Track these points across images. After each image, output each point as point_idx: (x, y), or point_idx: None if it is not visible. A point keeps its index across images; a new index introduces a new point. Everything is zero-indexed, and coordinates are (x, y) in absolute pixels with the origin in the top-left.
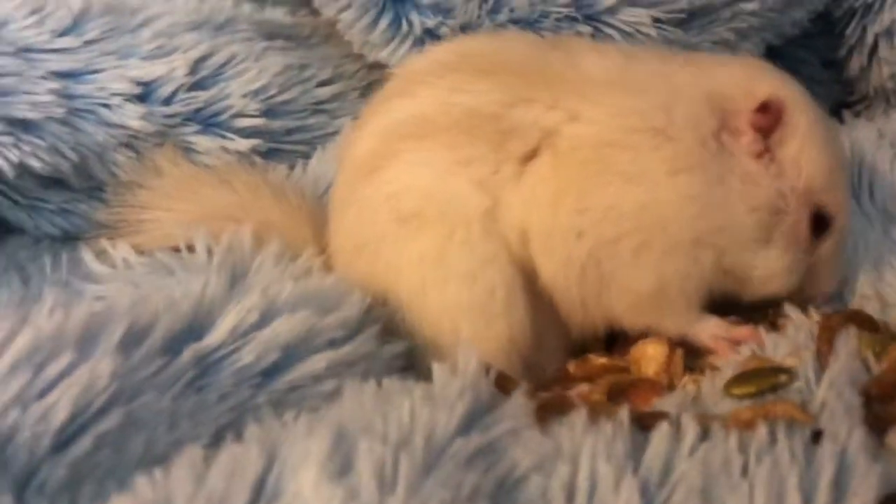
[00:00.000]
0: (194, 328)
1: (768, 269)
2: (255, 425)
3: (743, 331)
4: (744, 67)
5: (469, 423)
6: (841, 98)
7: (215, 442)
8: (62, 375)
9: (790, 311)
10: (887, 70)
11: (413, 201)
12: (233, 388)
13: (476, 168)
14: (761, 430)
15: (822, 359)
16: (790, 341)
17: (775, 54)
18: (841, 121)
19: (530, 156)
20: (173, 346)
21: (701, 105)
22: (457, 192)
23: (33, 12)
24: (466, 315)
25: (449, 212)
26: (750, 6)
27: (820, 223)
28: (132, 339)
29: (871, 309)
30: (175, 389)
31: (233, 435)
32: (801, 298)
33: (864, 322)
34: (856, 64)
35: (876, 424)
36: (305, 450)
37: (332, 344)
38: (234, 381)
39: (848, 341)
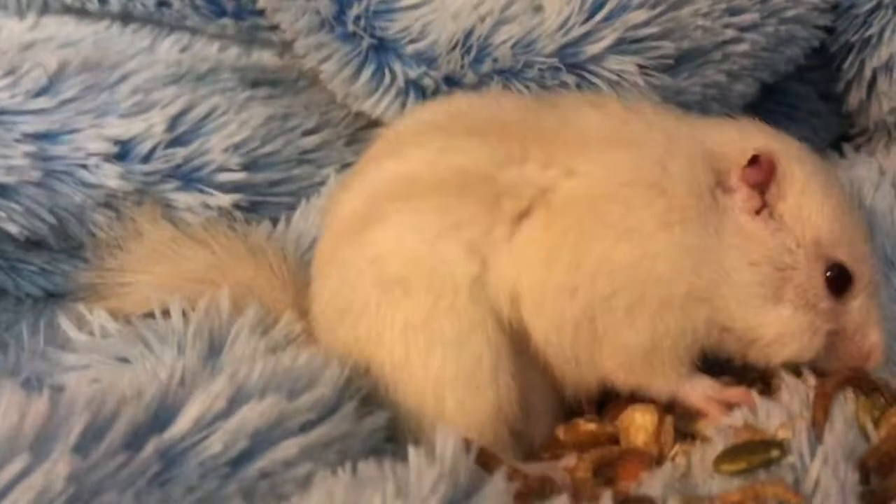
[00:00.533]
0: (159, 418)
1: (780, 330)
2: None
3: (735, 392)
4: (737, 127)
5: None
6: (841, 131)
7: None
8: (17, 480)
9: (784, 374)
10: (887, 104)
11: (398, 266)
12: (199, 479)
13: (466, 231)
14: None
15: (817, 428)
16: (783, 408)
17: (771, 90)
18: (841, 154)
19: (523, 215)
20: (136, 439)
21: (697, 161)
22: (445, 257)
23: (7, 73)
24: (451, 385)
25: (436, 278)
26: (741, 47)
27: (839, 280)
28: (92, 436)
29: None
30: (138, 486)
31: None
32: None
33: (862, 383)
34: (855, 98)
35: (874, 501)
36: None
37: (304, 427)
38: (200, 473)
39: (844, 408)
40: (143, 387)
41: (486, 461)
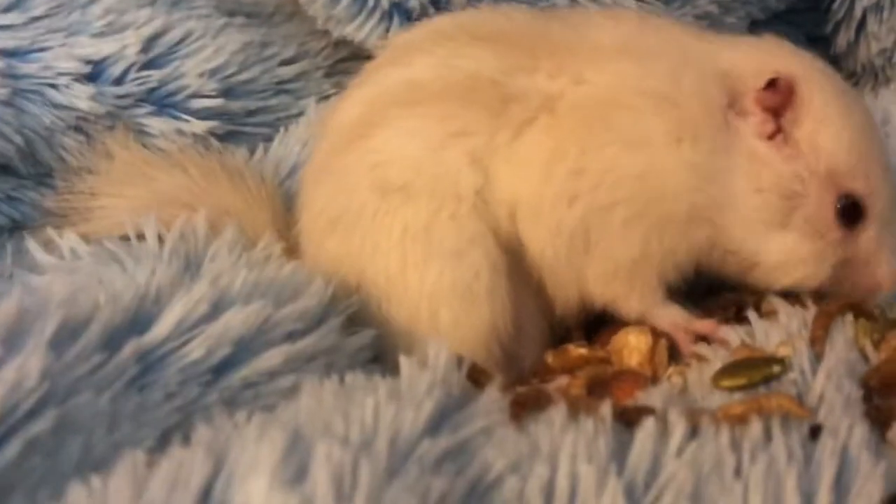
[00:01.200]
0: (138, 321)
1: (785, 256)
2: (204, 427)
3: (704, 324)
4: (756, 46)
5: (438, 422)
6: None
7: (161, 445)
8: None
9: (777, 301)
10: (875, 46)
11: (400, 172)
12: (179, 386)
13: (470, 139)
14: (755, 426)
15: (817, 346)
16: (782, 329)
17: (760, 31)
18: None
19: (528, 122)
20: (113, 341)
21: (711, 79)
22: (449, 166)
23: None
24: (448, 298)
25: (439, 186)
26: None
27: (851, 211)
28: (67, 334)
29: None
30: (115, 388)
31: (180, 437)
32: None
33: (861, 310)
34: (843, 40)
35: (877, 419)
36: (256, 454)
37: (290, 337)
38: (180, 379)
39: (844, 329)
40: (120, 291)
41: (477, 377)
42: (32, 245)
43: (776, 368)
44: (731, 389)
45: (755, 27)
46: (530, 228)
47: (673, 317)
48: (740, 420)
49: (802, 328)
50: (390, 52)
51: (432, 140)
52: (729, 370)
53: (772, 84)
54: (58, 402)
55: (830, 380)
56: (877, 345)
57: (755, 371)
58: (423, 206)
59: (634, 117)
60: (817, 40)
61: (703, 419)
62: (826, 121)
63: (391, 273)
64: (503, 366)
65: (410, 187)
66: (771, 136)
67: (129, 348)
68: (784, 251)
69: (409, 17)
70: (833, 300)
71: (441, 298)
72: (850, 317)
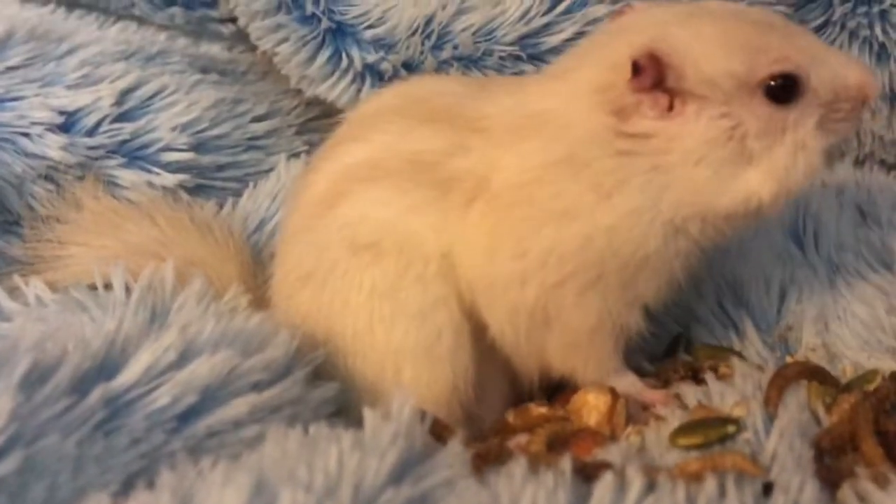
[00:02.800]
0: (106, 367)
1: (772, 178)
2: (168, 472)
3: (655, 395)
4: (605, 46)
5: (401, 472)
6: None
7: (125, 490)
8: None
9: (736, 362)
10: None
11: (370, 232)
12: (145, 432)
13: (429, 213)
14: (710, 483)
15: (771, 407)
16: (737, 391)
17: None
18: None
19: (468, 204)
20: (81, 385)
21: (590, 111)
22: (416, 229)
23: None
24: (411, 356)
25: (407, 246)
26: None
27: (782, 88)
28: (36, 377)
29: (818, 359)
30: (81, 432)
31: (144, 482)
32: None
33: (815, 373)
34: None
35: (828, 478)
36: (221, 500)
37: (256, 387)
38: (146, 425)
39: (797, 391)
40: (89, 337)
41: (439, 432)
42: None
43: (731, 428)
44: (688, 448)
45: None
46: (487, 307)
47: (628, 385)
48: (696, 477)
49: (757, 390)
50: (348, 127)
51: (397, 206)
52: (686, 429)
53: (637, 70)
54: (25, 444)
55: (783, 439)
56: (828, 408)
57: (711, 430)
58: (392, 266)
59: (553, 190)
60: None
61: (659, 475)
62: (698, 49)
63: (358, 329)
64: (464, 424)
65: (379, 245)
66: (671, 108)
67: (97, 393)
68: (769, 173)
69: (381, 78)
70: (789, 365)
71: (405, 356)
72: (803, 381)
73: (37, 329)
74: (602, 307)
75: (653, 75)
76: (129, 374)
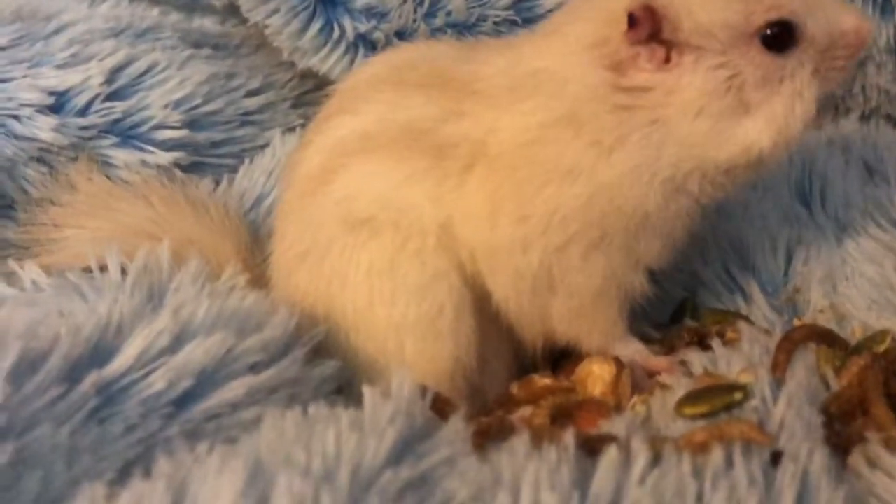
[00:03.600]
0: (98, 353)
1: (770, 128)
2: (165, 459)
3: (660, 362)
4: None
5: (401, 453)
6: None
7: (121, 478)
8: None
9: (743, 326)
10: None
11: (366, 207)
12: (140, 418)
13: (425, 182)
14: (717, 453)
15: (779, 373)
16: (744, 356)
17: None
18: None
19: (466, 170)
20: (73, 373)
21: (586, 66)
22: (412, 200)
23: None
24: (412, 332)
25: (404, 220)
26: None
27: (778, 36)
28: (26, 366)
29: (826, 321)
30: (74, 421)
31: (141, 470)
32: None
33: (823, 336)
34: None
35: (838, 445)
36: (217, 487)
37: (253, 368)
38: (141, 411)
39: (805, 355)
40: (81, 323)
41: (441, 408)
42: None
43: (737, 395)
44: (694, 417)
45: None
46: (490, 274)
47: (632, 353)
48: (702, 447)
49: (764, 355)
50: (338, 99)
51: (392, 178)
52: (691, 398)
53: (632, 22)
54: (16, 436)
55: (791, 406)
56: (838, 371)
57: (717, 398)
58: (389, 241)
59: (555, 150)
60: None
61: (665, 447)
62: (691, 1)
63: (358, 306)
64: (467, 397)
65: (375, 220)
66: (668, 60)
67: (90, 381)
68: (765, 125)
69: (374, 49)
70: (797, 328)
71: (406, 332)
72: (811, 344)
73: (27, 315)
74: (606, 269)
75: (648, 27)
76: (123, 359)
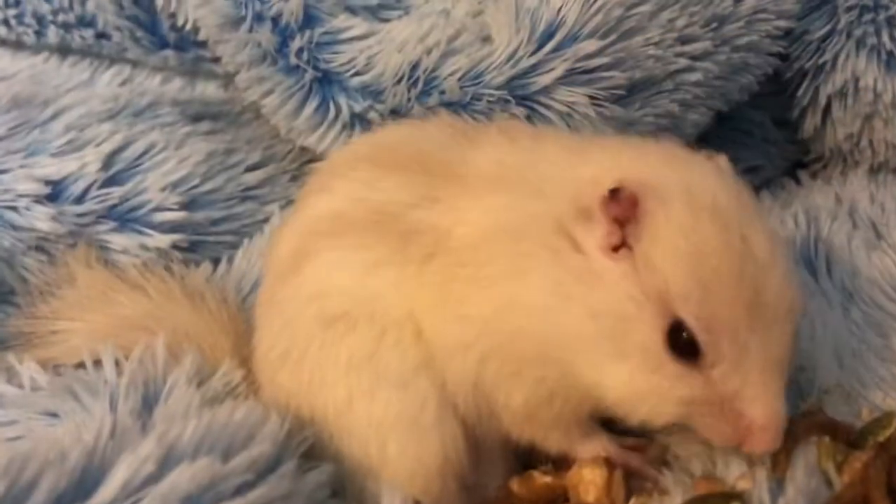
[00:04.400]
0: (83, 484)
1: (624, 390)
2: None
3: (631, 459)
4: (624, 153)
5: None
6: (797, 158)
7: None
8: None
9: None
10: (842, 131)
11: (337, 302)
12: None
13: (389, 270)
14: None
15: (778, 474)
16: (743, 457)
17: (725, 116)
18: (798, 182)
19: (427, 259)
20: None
21: (559, 195)
22: (377, 291)
23: None
24: (395, 430)
25: (376, 311)
26: (693, 76)
27: (681, 343)
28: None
29: (833, 403)
30: None
31: None
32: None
33: (826, 428)
34: (810, 125)
35: None
36: None
37: (240, 490)
38: None
39: (807, 454)
40: (67, 449)
41: None
42: None
43: None
44: None
45: (720, 117)
46: (446, 371)
47: (597, 450)
48: None
49: (764, 457)
50: (317, 177)
51: (355, 270)
52: None
53: (615, 192)
54: None
55: None
56: (840, 468)
57: None
58: (367, 333)
59: (486, 258)
60: (785, 124)
61: None
62: (664, 237)
63: (339, 405)
64: (463, 497)
65: (349, 315)
66: (616, 249)
67: None
68: (622, 384)
69: (369, 127)
70: (798, 423)
71: (388, 431)
72: (814, 437)
73: (12, 441)
74: (528, 389)
75: (621, 211)
76: (108, 490)
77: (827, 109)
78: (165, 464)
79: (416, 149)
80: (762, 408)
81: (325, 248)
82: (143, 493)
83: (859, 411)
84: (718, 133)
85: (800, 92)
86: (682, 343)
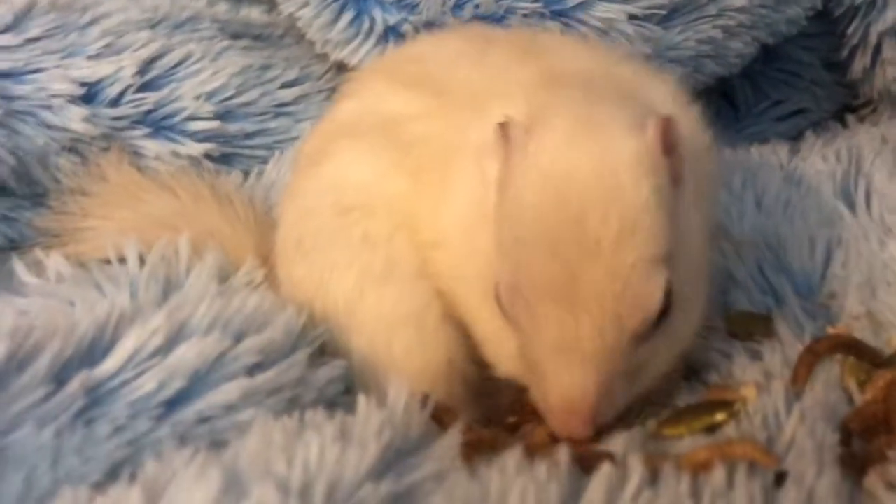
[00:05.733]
0: (91, 353)
1: (481, 329)
2: (151, 464)
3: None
4: (539, 79)
5: (385, 466)
6: (846, 102)
7: (109, 480)
8: None
9: (781, 326)
10: (892, 72)
11: (355, 195)
12: (129, 419)
13: (397, 175)
14: (718, 473)
15: (797, 385)
16: (762, 365)
17: (774, 55)
18: (844, 125)
19: (418, 170)
20: (61, 373)
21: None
22: (398, 188)
23: None
24: (402, 326)
25: (394, 204)
26: (738, 2)
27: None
28: (12, 366)
29: (861, 329)
30: (60, 422)
31: (128, 472)
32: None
33: (851, 347)
34: (859, 66)
35: (854, 464)
36: (191, 495)
37: (249, 371)
38: (130, 413)
39: (829, 369)
40: (78, 321)
41: (441, 417)
42: (18, 267)
43: (719, 416)
44: (671, 438)
45: (768, 56)
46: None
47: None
48: (704, 466)
49: (784, 367)
50: (347, 85)
51: (371, 169)
52: (672, 418)
53: (502, 129)
54: None
55: (804, 423)
56: (862, 385)
57: (696, 420)
58: (385, 220)
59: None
60: (834, 66)
61: (664, 465)
62: (513, 188)
63: (349, 295)
64: (471, 403)
65: (368, 205)
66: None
67: (78, 381)
68: (483, 322)
69: (403, 40)
70: (822, 339)
71: (395, 328)
72: (838, 355)
73: (15, 314)
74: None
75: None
76: (113, 360)
77: (877, 49)
78: (175, 339)
79: (424, 65)
80: (555, 383)
81: (343, 148)
82: (150, 364)
83: (889, 339)
84: (766, 73)
85: (850, 30)
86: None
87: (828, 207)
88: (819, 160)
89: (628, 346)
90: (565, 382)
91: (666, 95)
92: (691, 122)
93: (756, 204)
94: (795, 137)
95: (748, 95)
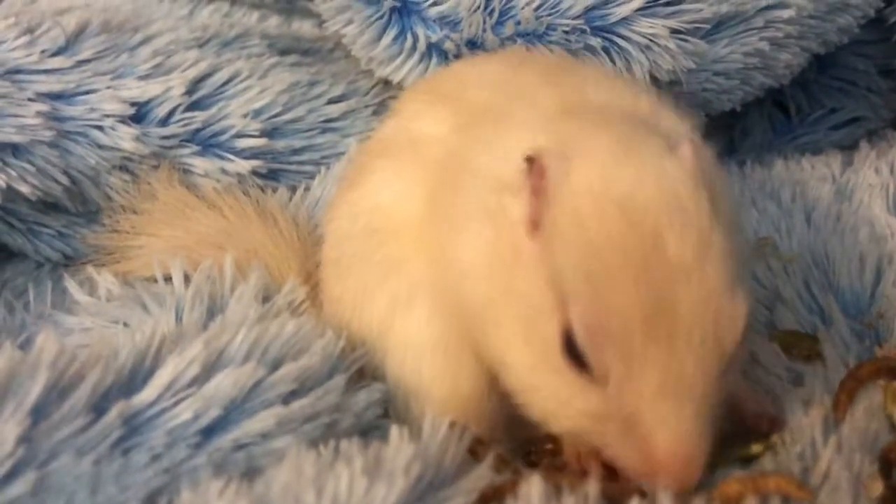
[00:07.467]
0: (130, 382)
1: (521, 378)
2: (188, 493)
3: None
4: (557, 108)
5: (415, 499)
6: None
7: None
8: None
9: (827, 347)
10: None
11: (382, 214)
12: (166, 448)
13: (419, 194)
14: None
15: (839, 414)
16: (803, 392)
17: (828, 63)
18: None
19: (435, 191)
20: (100, 403)
21: (505, 155)
22: (417, 211)
23: (25, 32)
24: (430, 352)
25: (415, 228)
26: (786, 13)
27: (573, 349)
28: (54, 396)
29: None
30: (98, 451)
31: (166, 500)
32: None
33: (894, 371)
34: None
35: (891, 496)
36: None
37: (285, 399)
38: (167, 441)
39: (871, 396)
40: (119, 348)
41: (473, 448)
42: (71, 285)
43: (755, 449)
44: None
45: (822, 63)
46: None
47: None
48: (736, 501)
49: (824, 393)
50: (394, 103)
51: (400, 189)
52: None
53: (530, 162)
54: (38, 465)
55: (841, 454)
56: None
57: (730, 451)
58: (407, 243)
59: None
60: (890, 73)
61: (695, 499)
62: (563, 223)
63: (380, 319)
64: (504, 430)
65: (392, 228)
66: (534, 226)
67: (116, 410)
68: (523, 371)
69: (445, 58)
70: (864, 364)
71: (424, 350)
72: (881, 381)
73: (58, 342)
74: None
75: (534, 183)
76: (152, 389)
77: None
78: (212, 367)
79: (461, 86)
80: (665, 433)
81: (377, 168)
82: (187, 394)
83: None
84: (820, 81)
85: None
86: (576, 351)
87: (879, 223)
88: (872, 173)
89: (722, 374)
90: (677, 432)
91: (683, 128)
92: (709, 156)
93: (805, 219)
94: (850, 147)
95: (802, 104)
